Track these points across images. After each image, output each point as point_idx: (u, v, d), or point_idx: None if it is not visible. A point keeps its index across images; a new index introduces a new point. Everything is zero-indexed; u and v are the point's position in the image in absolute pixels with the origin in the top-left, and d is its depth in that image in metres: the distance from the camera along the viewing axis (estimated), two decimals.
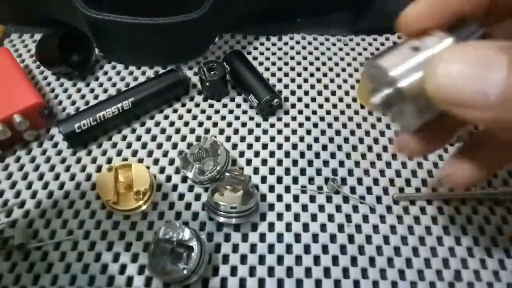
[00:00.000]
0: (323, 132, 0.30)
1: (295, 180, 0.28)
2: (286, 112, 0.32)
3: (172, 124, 0.31)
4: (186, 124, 0.31)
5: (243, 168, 0.28)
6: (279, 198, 0.27)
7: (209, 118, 0.31)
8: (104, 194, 0.25)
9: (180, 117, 0.32)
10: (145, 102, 0.31)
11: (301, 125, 0.31)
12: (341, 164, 0.28)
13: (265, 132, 0.31)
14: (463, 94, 0.13)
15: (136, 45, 0.33)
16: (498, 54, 0.12)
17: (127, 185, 0.26)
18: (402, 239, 0.25)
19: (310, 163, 0.29)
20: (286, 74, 0.34)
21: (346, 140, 0.30)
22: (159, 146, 0.30)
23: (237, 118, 0.31)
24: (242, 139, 0.30)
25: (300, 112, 0.32)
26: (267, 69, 0.35)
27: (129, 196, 0.26)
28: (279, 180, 0.28)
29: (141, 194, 0.25)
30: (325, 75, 0.34)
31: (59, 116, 0.32)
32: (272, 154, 0.29)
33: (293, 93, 0.33)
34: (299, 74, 0.34)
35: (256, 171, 0.28)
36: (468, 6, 0.16)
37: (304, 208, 0.26)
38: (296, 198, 0.27)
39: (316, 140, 0.30)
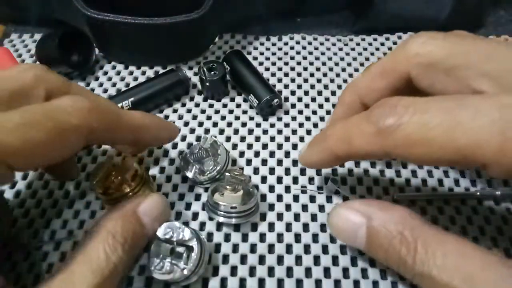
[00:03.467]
0: (301, 139, 0.30)
1: (295, 180, 0.28)
2: (286, 112, 0.32)
3: None
4: (186, 124, 0.31)
5: (243, 168, 0.28)
6: (279, 198, 0.27)
7: (209, 118, 0.31)
8: (93, 178, 0.24)
9: (180, 117, 0.32)
10: (145, 102, 0.31)
11: (301, 125, 0.31)
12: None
13: (265, 132, 0.31)
14: (344, 241, 0.22)
15: (136, 45, 0.33)
16: (360, 222, 0.19)
17: (119, 178, 0.25)
18: None
19: None
20: (286, 74, 0.34)
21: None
22: (159, 146, 0.30)
23: (237, 118, 0.31)
24: (242, 139, 0.30)
25: (300, 112, 0.32)
26: (267, 69, 0.35)
27: (119, 188, 0.25)
28: (279, 180, 0.28)
29: (121, 182, 0.24)
30: (325, 75, 0.34)
31: None
32: (272, 154, 0.29)
33: (293, 93, 0.33)
34: (299, 74, 0.34)
35: (256, 171, 0.28)
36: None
37: (304, 208, 0.26)
38: (296, 198, 0.27)
39: None
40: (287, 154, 0.29)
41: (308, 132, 0.30)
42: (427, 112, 0.17)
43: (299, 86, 0.34)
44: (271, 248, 0.25)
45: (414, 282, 0.18)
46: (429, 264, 0.17)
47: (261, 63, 0.35)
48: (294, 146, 0.30)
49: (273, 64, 0.35)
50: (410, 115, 0.17)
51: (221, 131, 0.31)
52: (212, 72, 0.31)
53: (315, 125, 0.31)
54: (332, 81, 0.34)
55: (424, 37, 0.20)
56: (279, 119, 0.31)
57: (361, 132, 0.19)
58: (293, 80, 0.34)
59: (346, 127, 0.20)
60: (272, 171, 0.28)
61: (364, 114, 0.19)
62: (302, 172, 0.28)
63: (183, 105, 0.32)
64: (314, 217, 0.26)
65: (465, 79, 0.19)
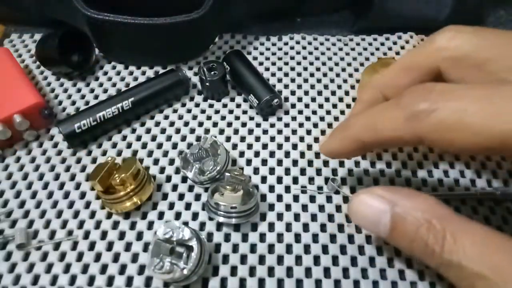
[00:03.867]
0: (323, 132, 0.30)
1: (295, 180, 0.28)
2: (286, 112, 0.32)
3: (172, 124, 0.31)
4: (186, 124, 0.31)
5: (243, 168, 0.28)
6: (279, 198, 0.27)
7: (209, 118, 0.31)
8: (93, 177, 0.24)
9: (180, 117, 0.32)
10: (145, 102, 0.31)
11: (301, 125, 0.31)
12: (341, 164, 0.28)
13: (265, 132, 0.31)
14: (365, 228, 0.20)
15: (136, 45, 0.33)
16: (385, 208, 0.19)
17: (119, 179, 0.25)
18: None
19: (310, 163, 0.29)
20: (286, 74, 0.34)
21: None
22: (159, 146, 0.30)
23: (237, 118, 0.31)
24: (242, 139, 0.30)
25: (300, 112, 0.32)
26: (267, 69, 0.35)
27: (117, 188, 0.25)
28: (279, 180, 0.28)
29: (121, 181, 0.24)
30: (325, 75, 0.34)
31: (59, 116, 0.32)
32: (272, 154, 0.29)
33: (293, 93, 0.33)
34: (299, 74, 0.34)
35: (256, 171, 0.28)
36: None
37: (304, 208, 0.26)
38: (296, 198, 0.27)
39: (316, 140, 0.30)
40: (287, 154, 0.29)
41: (308, 132, 0.30)
42: (464, 98, 0.17)
43: (299, 86, 0.34)
44: (271, 248, 0.25)
45: (440, 271, 0.17)
46: (458, 253, 0.16)
47: (261, 63, 0.35)
48: (294, 146, 0.30)
49: (273, 64, 0.35)
50: (446, 101, 0.17)
51: (221, 131, 0.31)
52: (212, 72, 0.31)
53: (315, 125, 0.31)
54: (332, 81, 0.34)
55: (452, 31, 0.20)
56: (279, 119, 0.31)
57: (390, 118, 0.19)
58: (293, 80, 0.34)
59: (372, 113, 0.20)
60: (272, 171, 0.28)
61: (392, 101, 0.19)
62: (302, 172, 0.28)
63: (183, 105, 0.32)
64: (314, 217, 0.26)
65: (495, 72, 0.19)
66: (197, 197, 0.27)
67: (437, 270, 0.18)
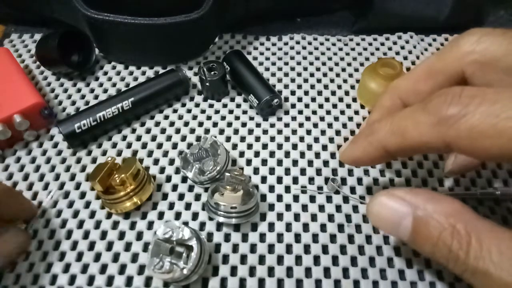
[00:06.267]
0: (323, 132, 0.30)
1: (295, 180, 0.28)
2: (286, 112, 0.32)
3: (172, 124, 0.31)
4: (186, 124, 0.31)
5: (243, 168, 0.28)
6: (279, 198, 0.27)
7: (209, 118, 0.31)
8: (93, 177, 0.25)
9: (180, 117, 0.32)
10: (145, 102, 0.31)
11: (301, 125, 0.31)
12: (341, 164, 0.28)
13: (265, 132, 0.31)
14: (384, 230, 0.20)
15: (136, 45, 0.33)
16: (406, 211, 0.18)
17: (119, 179, 0.25)
18: None
19: (310, 163, 0.29)
20: (286, 74, 0.34)
21: (346, 140, 0.30)
22: (159, 146, 0.30)
23: (237, 118, 0.31)
24: (242, 139, 0.30)
25: (300, 112, 0.32)
26: (267, 69, 0.35)
27: (117, 188, 0.25)
28: (279, 180, 0.28)
29: (121, 181, 0.24)
30: (325, 75, 0.34)
31: (59, 116, 0.32)
32: (272, 154, 0.29)
33: (293, 93, 0.33)
34: (299, 74, 0.34)
35: (256, 171, 0.28)
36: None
37: (304, 208, 0.26)
38: (296, 198, 0.27)
39: (316, 140, 0.30)
40: (287, 154, 0.29)
41: (308, 132, 0.30)
42: (497, 102, 0.15)
43: (299, 86, 0.33)
44: (271, 248, 0.25)
45: (463, 277, 0.17)
46: (484, 260, 0.16)
47: (261, 63, 0.35)
48: (294, 146, 0.30)
49: (273, 64, 0.35)
50: (477, 105, 0.16)
51: (221, 131, 0.31)
52: (212, 72, 0.31)
53: (315, 125, 0.31)
54: (332, 81, 0.34)
55: (478, 34, 0.19)
56: (279, 119, 0.31)
57: (417, 123, 0.18)
58: (293, 80, 0.34)
59: (397, 118, 0.19)
60: (272, 171, 0.28)
61: (419, 105, 0.18)
62: (302, 172, 0.28)
63: (183, 105, 0.32)
64: (314, 217, 0.26)
65: None
66: (197, 197, 0.27)
67: (460, 276, 0.17)
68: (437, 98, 0.17)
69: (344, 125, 0.31)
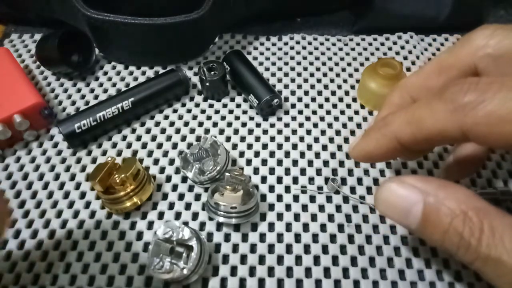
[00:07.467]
0: (323, 132, 0.30)
1: (295, 180, 0.28)
2: (286, 112, 0.32)
3: (172, 124, 0.31)
4: (186, 124, 0.31)
5: (243, 168, 0.28)
6: (279, 198, 0.27)
7: (209, 118, 0.31)
8: (93, 177, 0.24)
9: (180, 117, 0.32)
10: (145, 102, 0.31)
11: (301, 125, 0.31)
12: (341, 164, 0.28)
13: (265, 132, 0.31)
14: (392, 218, 0.19)
15: (136, 45, 0.33)
16: (416, 198, 0.17)
17: (119, 179, 0.25)
18: (402, 239, 0.25)
19: (310, 163, 0.29)
20: (286, 74, 0.34)
21: (346, 140, 0.30)
22: (159, 146, 0.30)
23: (237, 118, 0.31)
24: (242, 139, 0.30)
25: (300, 112, 0.32)
26: (267, 69, 0.35)
27: (117, 188, 0.25)
28: (279, 180, 0.28)
29: (121, 181, 0.24)
30: (325, 75, 0.34)
31: (59, 116, 0.32)
32: (272, 154, 0.29)
33: (293, 93, 0.33)
34: (299, 74, 0.34)
35: (256, 171, 0.28)
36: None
37: (304, 208, 0.26)
38: (296, 198, 0.27)
39: (316, 140, 0.30)
40: (287, 154, 0.29)
41: (308, 132, 0.30)
42: None
43: (299, 86, 0.34)
44: (271, 248, 0.25)
45: (474, 266, 0.16)
46: (497, 248, 0.15)
47: (261, 63, 0.35)
48: (294, 146, 0.30)
49: (273, 64, 0.35)
50: (495, 91, 0.16)
51: (221, 131, 0.31)
52: (212, 72, 0.31)
53: (315, 125, 0.31)
54: (332, 81, 0.34)
55: (490, 29, 0.20)
56: (279, 119, 0.31)
57: (433, 111, 0.18)
58: (293, 80, 0.34)
59: (413, 108, 0.19)
60: (272, 171, 0.28)
61: (434, 94, 0.18)
62: (302, 172, 0.28)
63: (183, 105, 0.32)
64: (314, 217, 0.26)
65: None
66: (197, 197, 0.27)
67: (470, 265, 0.17)
68: (454, 87, 0.17)
69: (344, 125, 0.31)
